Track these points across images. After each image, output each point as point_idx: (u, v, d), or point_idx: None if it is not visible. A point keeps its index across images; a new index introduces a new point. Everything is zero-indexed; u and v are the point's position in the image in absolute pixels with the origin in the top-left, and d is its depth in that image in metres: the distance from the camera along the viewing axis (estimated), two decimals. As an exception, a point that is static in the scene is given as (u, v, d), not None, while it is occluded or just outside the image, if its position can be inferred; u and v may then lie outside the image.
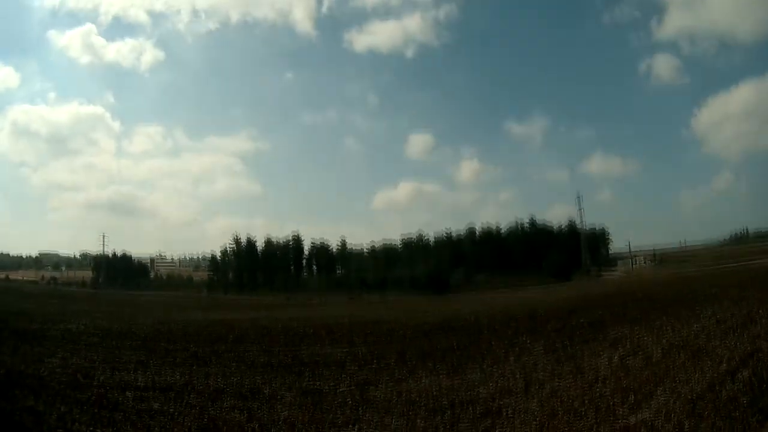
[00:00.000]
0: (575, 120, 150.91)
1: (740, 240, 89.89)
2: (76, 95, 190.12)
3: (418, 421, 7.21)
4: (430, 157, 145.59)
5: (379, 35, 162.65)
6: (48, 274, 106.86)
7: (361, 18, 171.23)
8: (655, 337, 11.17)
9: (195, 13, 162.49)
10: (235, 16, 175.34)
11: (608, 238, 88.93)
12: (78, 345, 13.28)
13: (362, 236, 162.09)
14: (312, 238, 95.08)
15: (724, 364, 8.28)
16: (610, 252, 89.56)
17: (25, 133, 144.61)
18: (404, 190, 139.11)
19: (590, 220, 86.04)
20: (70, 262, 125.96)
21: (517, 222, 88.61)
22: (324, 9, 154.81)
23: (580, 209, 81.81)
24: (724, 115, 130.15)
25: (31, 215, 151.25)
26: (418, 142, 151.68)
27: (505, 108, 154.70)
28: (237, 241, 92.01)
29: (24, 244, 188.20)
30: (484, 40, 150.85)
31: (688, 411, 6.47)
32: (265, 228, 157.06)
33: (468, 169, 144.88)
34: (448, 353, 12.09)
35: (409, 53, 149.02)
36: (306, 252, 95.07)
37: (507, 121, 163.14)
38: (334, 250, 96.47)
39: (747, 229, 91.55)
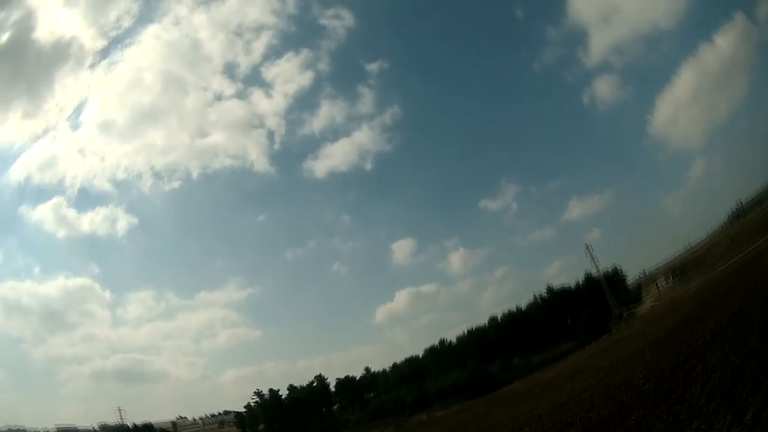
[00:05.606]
0: (542, 175, 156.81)
1: (739, 215, 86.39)
2: (61, 269, 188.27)
3: None
4: (417, 259, 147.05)
5: (335, 157, 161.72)
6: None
7: (313, 145, 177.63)
8: None
9: (156, 174, 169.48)
10: (195, 171, 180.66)
11: (622, 274, 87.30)
12: None
13: (374, 353, 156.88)
14: (336, 377, 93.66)
15: None
16: (628, 287, 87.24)
17: (17, 309, 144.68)
18: (402, 298, 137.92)
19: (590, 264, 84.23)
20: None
21: (534, 295, 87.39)
22: (276, 145, 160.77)
23: (593, 258, 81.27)
24: (675, 106, 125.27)
25: (41, 390, 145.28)
26: (402, 248, 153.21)
27: (474, 188, 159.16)
28: (260, 395, 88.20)
29: (39, 419, 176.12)
30: (434, 130, 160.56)
31: None
32: (276, 369, 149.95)
33: (457, 259, 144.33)
34: None
35: (368, 165, 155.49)
36: (332, 388, 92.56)
37: (479, 200, 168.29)
38: (358, 378, 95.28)
39: (741, 201, 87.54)
